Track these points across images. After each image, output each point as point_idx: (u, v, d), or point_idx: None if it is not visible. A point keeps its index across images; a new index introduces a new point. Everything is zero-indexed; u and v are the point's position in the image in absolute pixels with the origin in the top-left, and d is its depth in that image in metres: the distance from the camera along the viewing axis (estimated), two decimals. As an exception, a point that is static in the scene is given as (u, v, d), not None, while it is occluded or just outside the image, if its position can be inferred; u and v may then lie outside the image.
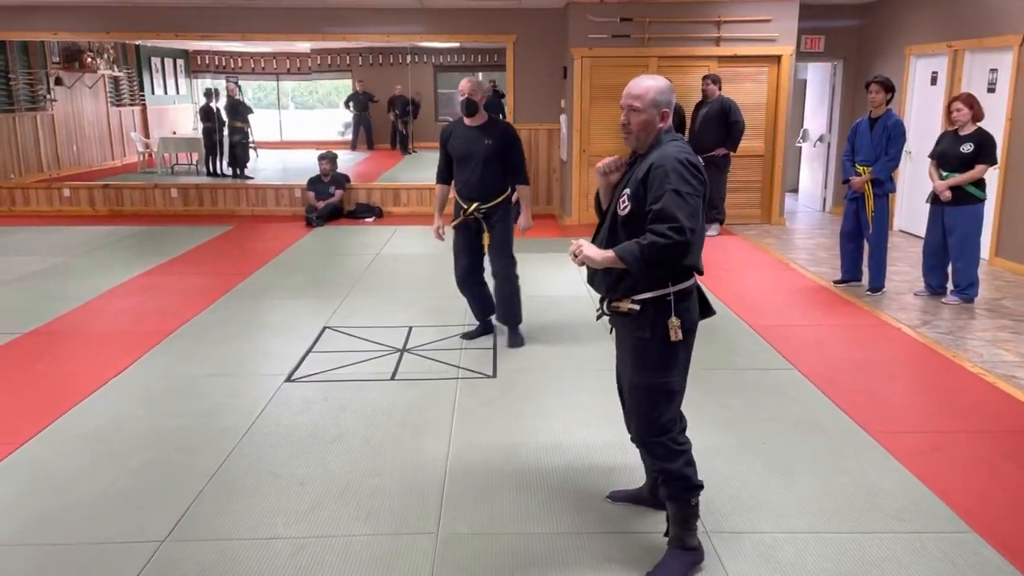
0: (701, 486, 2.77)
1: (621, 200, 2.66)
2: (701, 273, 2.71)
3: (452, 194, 5.04)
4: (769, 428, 3.88)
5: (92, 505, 3.17)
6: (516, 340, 5.10)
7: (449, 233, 5.07)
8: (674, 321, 2.62)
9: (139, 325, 5.51)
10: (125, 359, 4.80)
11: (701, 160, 2.66)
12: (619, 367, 2.95)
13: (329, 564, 2.79)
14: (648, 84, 2.69)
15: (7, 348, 5.03)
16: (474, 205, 4.85)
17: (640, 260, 2.50)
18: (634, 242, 2.53)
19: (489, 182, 4.85)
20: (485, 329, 5.25)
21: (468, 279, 5.10)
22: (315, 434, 3.82)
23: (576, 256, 2.61)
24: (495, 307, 5.20)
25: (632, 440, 2.87)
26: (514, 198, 5.01)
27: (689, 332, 2.70)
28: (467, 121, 4.85)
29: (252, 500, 3.22)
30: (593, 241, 2.79)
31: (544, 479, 3.38)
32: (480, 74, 18.23)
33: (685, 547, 2.77)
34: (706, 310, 2.81)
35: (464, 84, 4.78)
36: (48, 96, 12.79)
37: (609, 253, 2.56)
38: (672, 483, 2.73)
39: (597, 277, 2.76)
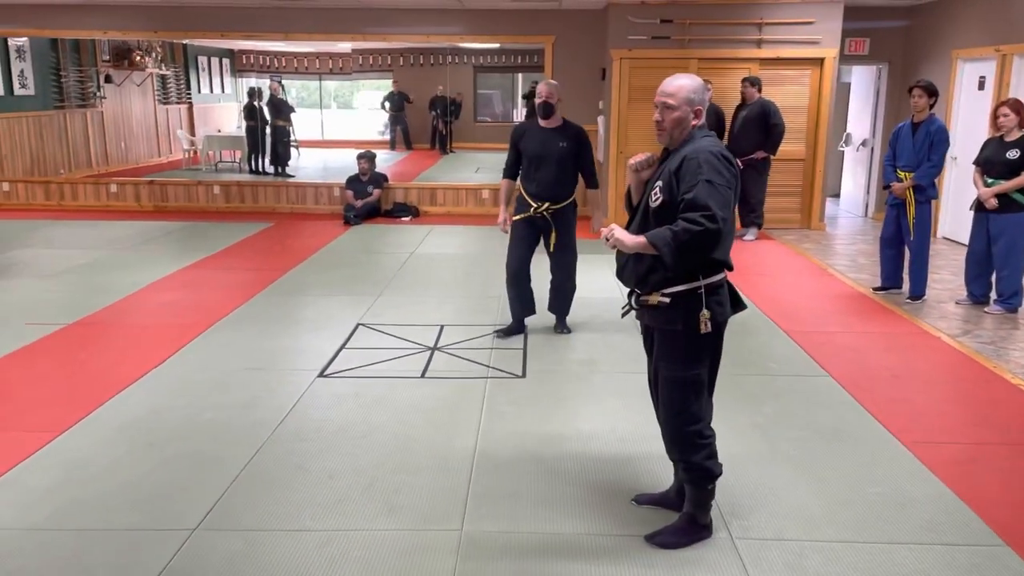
0: (719, 474, 2.88)
1: (653, 192, 2.69)
2: (731, 269, 2.72)
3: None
4: (801, 435, 3.83)
5: (127, 493, 3.25)
6: (565, 328, 5.35)
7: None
8: (705, 313, 2.66)
9: (179, 318, 5.62)
10: (164, 351, 4.90)
11: (736, 171, 2.68)
12: (651, 366, 2.97)
13: (355, 557, 2.83)
14: (682, 82, 2.72)
15: (51, 339, 5.17)
16: (545, 205, 4.99)
17: (671, 245, 2.53)
18: (666, 228, 2.56)
19: (562, 183, 5.02)
20: (519, 328, 5.30)
21: (521, 271, 5.17)
22: (345, 429, 3.87)
23: (608, 240, 2.64)
24: (550, 298, 5.34)
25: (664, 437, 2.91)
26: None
27: (719, 326, 2.73)
28: (542, 122, 4.99)
29: (282, 492, 3.27)
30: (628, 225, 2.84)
31: (570, 479, 3.39)
32: (520, 75, 18.28)
33: (696, 523, 2.91)
34: (737, 305, 2.82)
35: (542, 87, 4.96)
36: (98, 93, 13.12)
37: (640, 238, 2.60)
38: (692, 472, 2.84)
39: (627, 269, 2.78)
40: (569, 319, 5.43)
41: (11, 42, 10.93)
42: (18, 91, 11.16)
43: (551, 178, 4.97)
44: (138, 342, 5.12)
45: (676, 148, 2.73)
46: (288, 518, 3.08)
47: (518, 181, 5.16)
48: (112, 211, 10.32)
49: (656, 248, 2.55)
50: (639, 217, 2.79)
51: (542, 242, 5.22)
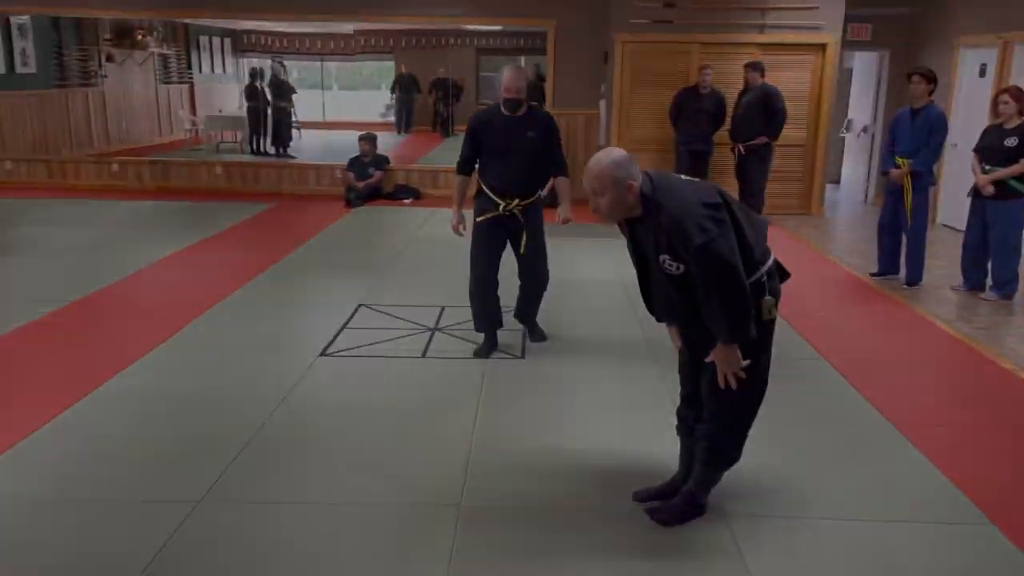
0: (737, 461, 2.92)
1: (666, 265, 2.63)
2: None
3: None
4: (794, 416, 3.89)
5: (132, 466, 3.32)
6: (542, 335, 4.90)
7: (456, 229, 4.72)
8: (768, 300, 2.68)
9: (182, 298, 5.67)
10: (168, 330, 4.95)
11: (713, 194, 2.63)
12: (687, 358, 2.96)
13: (356, 529, 2.90)
14: (602, 166, 2.63)
15: (56, 315, 5.22)
16: (515, 202, 4.50)
17: (737, 323, 2.57)
18: (715, 320, 2.59)
19: (532, 177, 4.56)
20: (495, 343, 4.78)
21: (490, 280, 4.67)
22: (346, 407, 3.93)
23: (729, 373, 2.67)
24: (520, 306, 4.89)
25: (700, 421, 2.90)
26: (546, 189, 4.79)
27: (775, 306, 2.73)
28: (506, 111, 4.50)
29: (284, 467, 3.33)
30: (646, 288, 2.85)
31: (568, 457, 3.45)
32: (523, 58, 18.24)
33: (695, 501, 2.96)
34: (783, 275, 2.83)
35: (511, 81, 4.39)
36: (99, 72, 13.11)
37: (727, 350, 2.63)
38: (719, 455, 2.87)
39: (690, 324, 2.78)
40: (567, 303, 5.46)
41: (13, 20, 10.91)
42: (20, 69, 11.15)
43: (518, 173, 4.46)
44: (142, 320, 5.17)
45: (642, 217, 2.67)
46: (290, 492, 3.14)
47: (475, 176, 4.61)
48: (114, 190, 10.34)
49: (738, 338, 2.59)
50: (671, 285, 2.69)
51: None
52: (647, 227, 2.66)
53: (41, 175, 10.56)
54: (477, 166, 4.62)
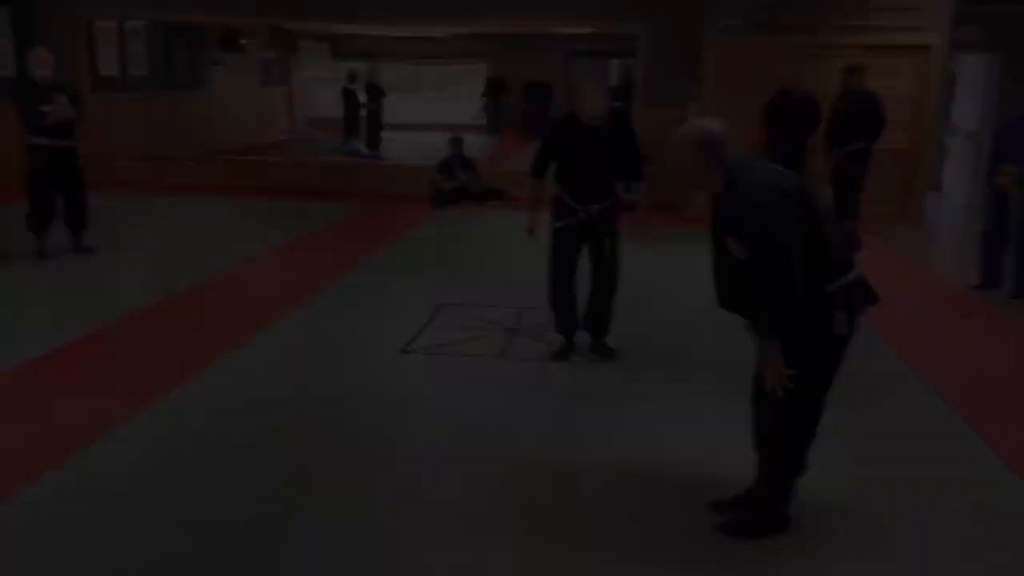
0: (803, 470, 2.83)
1: (734, 248, 2.61)
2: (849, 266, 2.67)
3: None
4: (883, 434, 3.75)
5: (208, 460, 3.43)
6: (611, 352, 4.70)
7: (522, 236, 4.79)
8: (841, 315, 2.61)
9: (270, 295, 5.88)
10: (254, 327, 5.12)
11: (786, 181, 2.59)
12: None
13: (426, 524, 2.95)
14: (688, 133, 2.71)
15: (151, 309, 5.48)
16: (594, 207, 4.45)
17: (783, 315, 2.51)
18: (759, 312, 2.56)
19: (611, 182, 4.53)
20: (573, 347, 4.75)
21: (571, 284, 4.65)
22: (424, 404, 4.00)
23: (775, 383, 2.61)
24: (591, 318, 4.74)
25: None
26: (631, 199, 4.71)
27: (848, 324, 2.65)
28: (583, 121, 4.43)
29: (358, 462, 3.43)
30: (719, 266, 2.78)
31: (642, 464, 3.42)
32: (613, 61, 18.14)
33: (767, 515, 2.86)
34: (868, 297, 2.75)
35: (594, 104, 4.36)
36: (206, 75, 13.73)
37: (769, 345, 2.59)
38: (767, 467, 2.82)
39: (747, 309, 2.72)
40: (650, 310, 5.38)
41: (127, 25, 11.55)
42: (132, 72, 11.79)
43: (598, 180, 4.45)
44: (230, 317, 5.40)
45: (723, 191, 2.67)
46: (362, 485, 3.22)
47: (550, 180, 4.60)
48: (217, 188, 10.76)
49: (777, 336, 2.55)
50: (731, 267, 2.67)
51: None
52: (726, 206, 2.66)
53: (149, 173, 11.06)
54: (555, 172, 4.58)
